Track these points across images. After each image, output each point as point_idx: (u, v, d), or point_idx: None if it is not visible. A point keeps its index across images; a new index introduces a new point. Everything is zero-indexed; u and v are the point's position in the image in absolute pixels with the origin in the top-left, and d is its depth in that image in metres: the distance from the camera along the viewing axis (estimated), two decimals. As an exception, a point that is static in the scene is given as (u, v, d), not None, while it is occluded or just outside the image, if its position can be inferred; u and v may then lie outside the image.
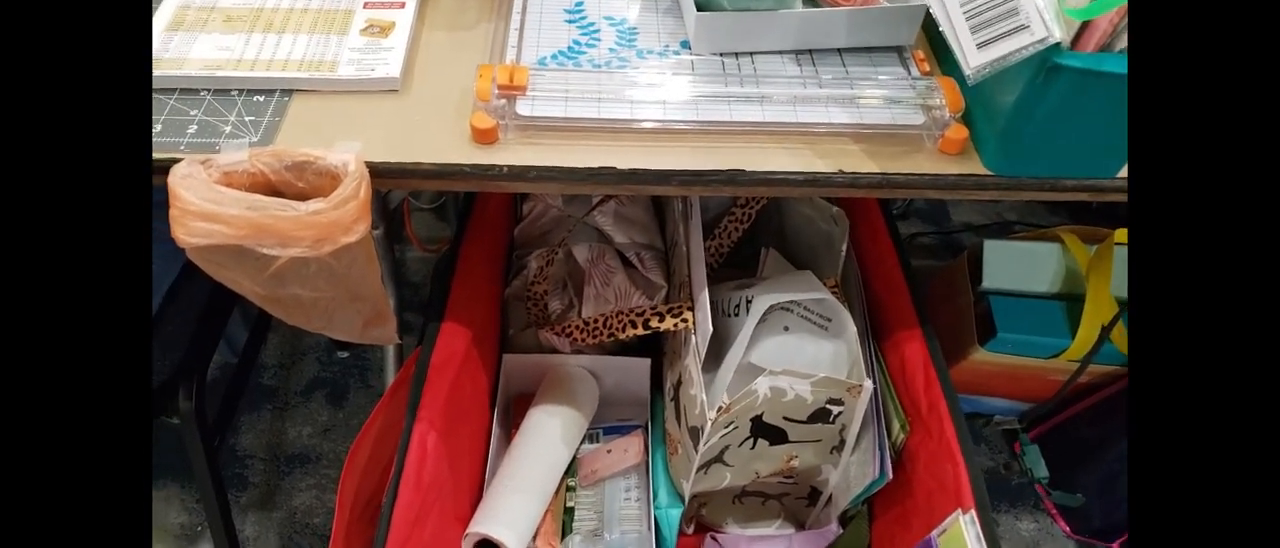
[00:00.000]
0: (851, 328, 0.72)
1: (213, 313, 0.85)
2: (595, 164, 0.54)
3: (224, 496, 0.90)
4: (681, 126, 0.56)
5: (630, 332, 0.77)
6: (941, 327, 0.73)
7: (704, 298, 0.70)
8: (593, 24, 0.62)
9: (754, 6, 0.58)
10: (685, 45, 0.61)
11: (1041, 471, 1.03)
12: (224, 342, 1.16)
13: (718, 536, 0.85)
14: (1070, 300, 0.92)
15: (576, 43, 0.60)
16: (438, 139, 0.55)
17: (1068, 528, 1.05)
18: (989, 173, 0.55)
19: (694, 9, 0.58)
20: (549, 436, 0.82)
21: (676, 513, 0.79)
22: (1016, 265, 0.94)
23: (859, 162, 0.55)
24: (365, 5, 0.63)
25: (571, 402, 0.85)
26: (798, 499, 0.84)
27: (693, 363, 0.71)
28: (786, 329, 0.74)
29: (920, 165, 0.55)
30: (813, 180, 0.54)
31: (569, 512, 0.82)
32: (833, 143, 0.56)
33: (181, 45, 0.58)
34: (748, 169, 0.54)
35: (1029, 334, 0.90)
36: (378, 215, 0.90)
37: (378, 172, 0.54)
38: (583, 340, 0.83)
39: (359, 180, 0.52)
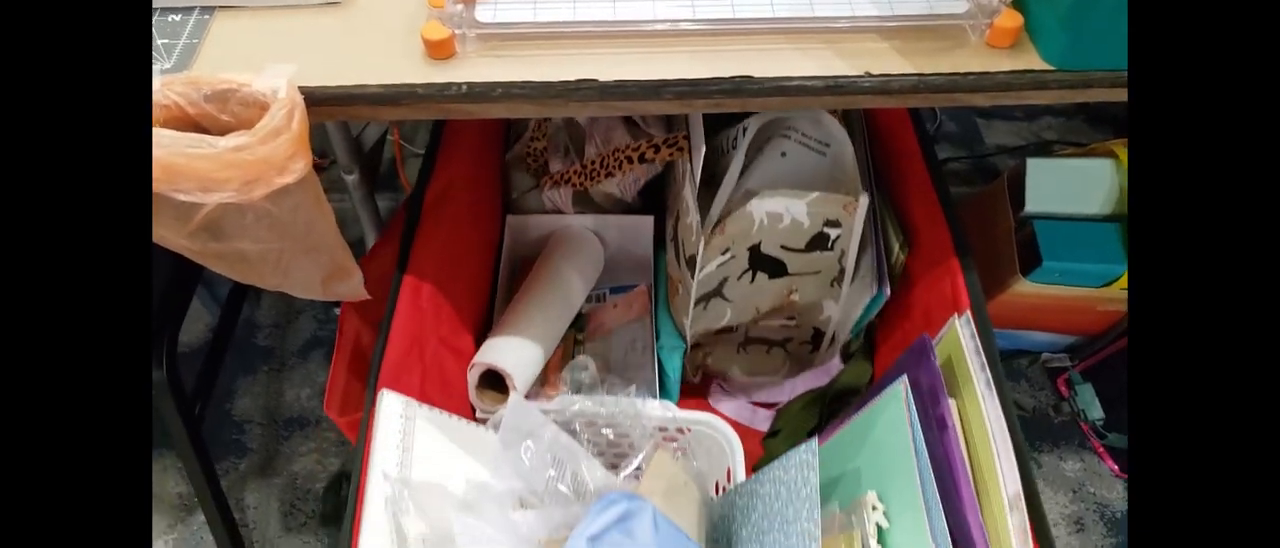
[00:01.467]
0: (850, 149, 0.66)
1: (182, 271, 0.78)
2: (572, 77, 0.45)
3: (209, 463, 0.85)
4: (675, 28, 0.47)
5: (627, 168, 0.77)
6: (978, 258, 0.64)
7: (698, 120, 0.66)
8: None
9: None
10: (677, -69, 0.51)
11: (1096, 411, 0.95)
12: (211, 301, 1.11)
13: (723, 382, 0.84)
14: (1124, 222, 0.83)
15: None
16: (384, 57, 0.47)
17: (1117, 468, 0.98)
18: (1049, 67, 0.45)
19: (685, -116, 0.48)
20: (555, 288, 0.81)
21: (679, 354, 0.79)
22: (1063, 185, 0.84)
23: (890, 61, 0.46)
24: (299, -95, 0.54)
25: (577, 258, 0.84)
26: (801, 344, 0.81)
27: (688, 189, 0.67)
28: (784, 155, 0.68)
29: (964, 63, 0.46)
30: (835, 86, 0.45)
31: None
32: (857, 40, 0.47)
33: (83, -40, 0.50)
34: (756, 76, 0.45)
35: (1078, 262, 0.81)
36: (350, 157, 0.83)
37: (315, 98, 0.45)
38: (582, 184, 0.82)
39: (289, 108, 0.43)
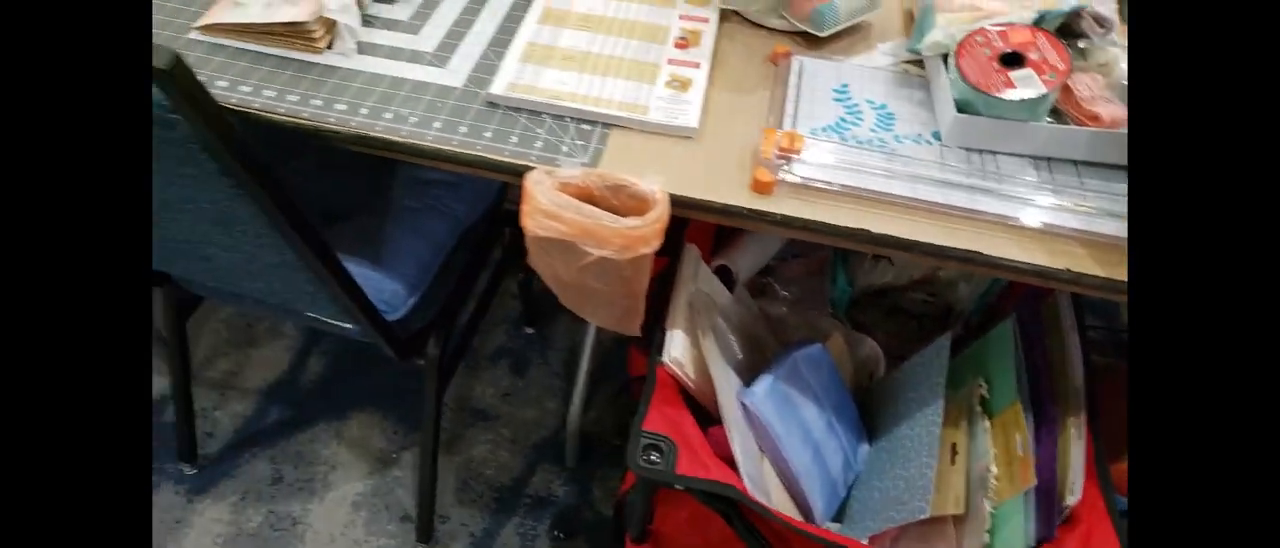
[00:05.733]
0: None
1: (466, 280, 1.01)
2: (853, 225, 0.65)
3: (438, 429, 1.07)
4: (929, 206, 0.66)
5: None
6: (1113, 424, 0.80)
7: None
8: (856, 105, 0.73)
9: (1008, 116, 0.67)
10: (936, 136, 0.71)
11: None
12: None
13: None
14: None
15: (842, 120, 0.72)
16: (723, 183, 0.68)
17: None
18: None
19: (953, 109, 0.68)
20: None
21: (845, 299, 1.03)
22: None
23: (1085, 264, 0.63)
24: (669, 62, 0.77)
25: None
26: (933, 320, 1.03)
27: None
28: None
29: (1139, 276, 0.63)
30: (1041, 273, 0.63)
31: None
32: (1062, 243, 0.65)
33: (532, 75, 0.74)
34: (984, 252, 0.64)
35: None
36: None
37: (675, 202, 0.67)
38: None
39: (665, 207, 0.65)
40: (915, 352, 1.00)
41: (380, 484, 1.21)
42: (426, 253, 0.90)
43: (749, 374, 0.89)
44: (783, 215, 0.66)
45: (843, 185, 0.66)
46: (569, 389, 1.32)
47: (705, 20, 0.82)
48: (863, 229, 0.65)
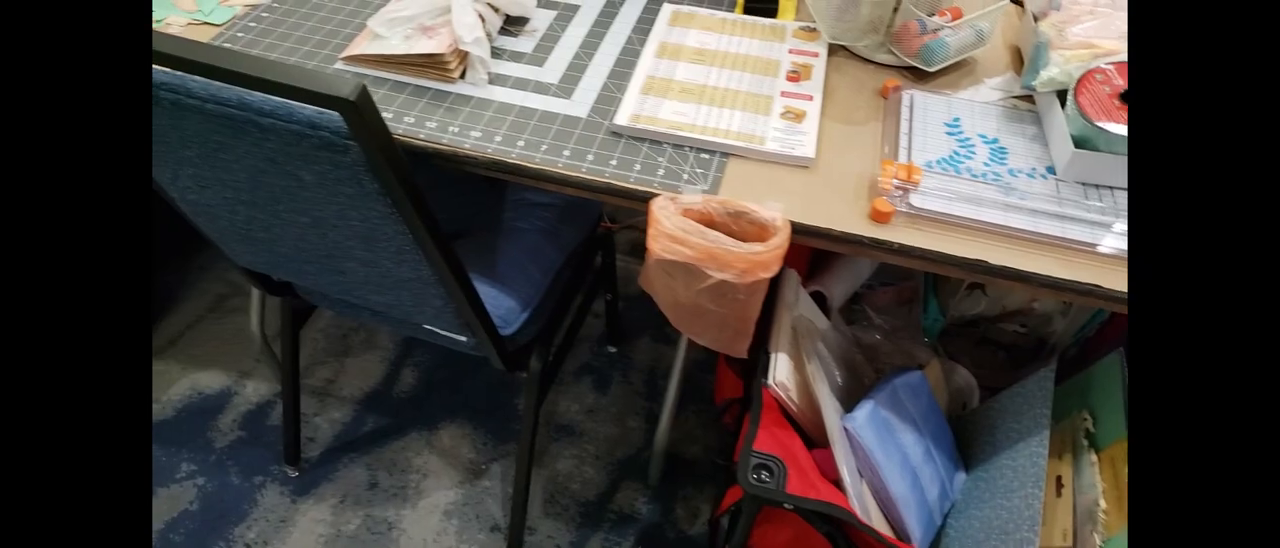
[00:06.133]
0: None
1: (567, 298, 1.06)
2: (971, 255, 0.67)
3: (533, 441, 1.10)
4: (1047, 239, 0.67)
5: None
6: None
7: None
8: (968, 139, 0.75)
9: (1125, 151, 0.68)
10: (1051, 171, 0.73)
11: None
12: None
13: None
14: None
15: (956, 153, 0.74)
16: (840, 212, 0.70)
17: None
18: None
19: (1071, 144, 0.70)
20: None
21: (937, 328, 1.04)
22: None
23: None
24: (782, 94, 0.80)
25: None
26: (1024, 352, 1.03)
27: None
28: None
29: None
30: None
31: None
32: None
33: (653, 107, 0.78)
34: (1103, 286, 0.65)
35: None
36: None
37: (795, 229, 0.69)
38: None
39: (786, 234, 0.68)
40: (1004, 383, 1.01)
41: (470, 494, 1.25)
42: (537, 273, 0.95)
43: (846, 400, 0.91)
44: (901, 244, 0.68)
45: (959, 217, 0.68)
46: (650, 408, 1.35)
47: (815, 55, 0.85)
48: (981, 260, 0.66)
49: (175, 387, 1.37)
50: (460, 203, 1.05)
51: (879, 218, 0.69)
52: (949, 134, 0.76)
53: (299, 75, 0.55)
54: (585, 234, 1.04)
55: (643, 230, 0.70)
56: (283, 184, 0.68)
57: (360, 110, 0.55)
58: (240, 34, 0.88)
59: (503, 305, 0.90)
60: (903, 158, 0.73)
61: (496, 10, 0.87)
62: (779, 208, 0.70)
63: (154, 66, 0.60)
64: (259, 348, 1.36)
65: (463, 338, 0.92)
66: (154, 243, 1.41)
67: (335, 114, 0.57)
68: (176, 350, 1.42)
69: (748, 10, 0.91)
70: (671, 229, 0.68)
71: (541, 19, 0.91)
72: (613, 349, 1.43)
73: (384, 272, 0.78)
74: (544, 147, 0.75)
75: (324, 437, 1.31)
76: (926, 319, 1.07)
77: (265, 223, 0.77)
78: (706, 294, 0.72)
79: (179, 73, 0.60)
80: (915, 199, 0.69)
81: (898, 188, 0.70)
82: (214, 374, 1.39)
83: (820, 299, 1.01)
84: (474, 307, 0.80)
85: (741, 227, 0.71)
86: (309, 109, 0.58)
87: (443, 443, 1.31)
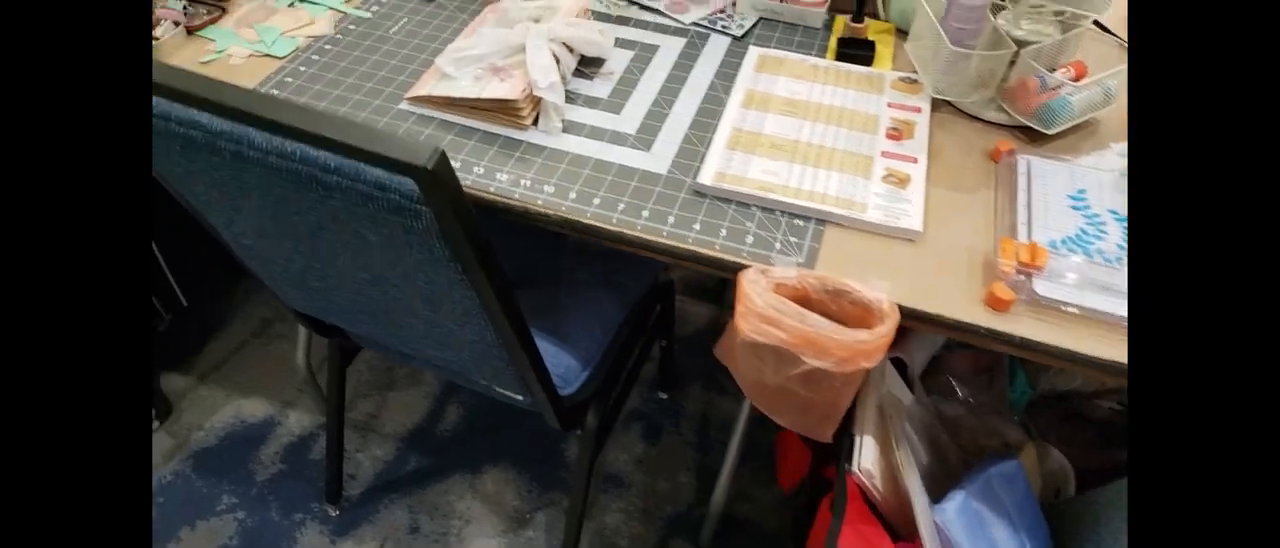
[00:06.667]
0: None
1: (625, 352, 0.99)
2: (1104, 356, 0.59)
3: (586, 498, 1.04)
4: (1195, 340, 0.59)
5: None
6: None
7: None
8: (1098, 216, 0.67)
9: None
10: (1195, 256, 0.64)
11: None
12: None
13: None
14: None
15: (1084, 232, 0.66)
16: (952, 295, 0.63)
17: None
18: None
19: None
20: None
21: (1025, 400, 0.96)
22: None
23: None
24: (883, 154, 0.73)
25: None
26: (1118, 428, 0.93)
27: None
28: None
29: None
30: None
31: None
32: None
33: (740, 164, 0.71)
34: (1265, 400, 0.56)
35: None
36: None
37: (903, 312, 0.62)
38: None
39: (895, 321, 0.60)
40: (1094, 463, 0.92)
41: (513, 544, 1.19)
42: (598, 330, 0.89)
43: (930, 481, 0.83)
44: (1022, 338, 0.60)
45: (1092, 310, 0.60)
46: (702, 461, 1.28)
47: (917, 110, 0.78)
48: (1117, 362, 0.58)
49: (219, 413, 1.34)
50: (520, 247, 1.00)
51: (997, 306, 0.61)
52: (1074, 208, 0.68)
53: (373, 138, 0.50)
54: (647, 285, 0.98)
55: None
56: (345, 241, 0.63)
57: (437, 177, 0.50)
58: (302, 68, 0.84)
59: (562, 364, 0.84)
60: (1022, 235, 0.66)
61: (572, 51, 0.82)
62: (885, 288, 0.63)
63: (213, 117, 0.56)
64: (303, 379, 1.32)
65: (519, 397, 0.86)
66: (194, 267, 1.39)
67: (408, 179, 0.52)
68: (221, 376, 1.39)
69: (841, 57, 0.85)
70: (763, 308, 0.61)
71: (618, 59, 0.86)
72: (664, 395, 1.36)
73: (445, 332, 0.73)
74: (621, 206, 0.69)
75: (365, 475, 1.26)
76: (1013, 392, 0.98)
77: (321, 273, 0.72)
78: (798, 380, 0.65)
79: (241, 125, 0.55)
80: (1040, 286, 0.62)
81: (1020, 271, 0.62)
82: (257, 402, 1.35)
83: (900, 366, 0.93)
84: (536, 369, 0.74)
85: (841, 307, 0.64)
86: (378, 169, 0.53)
87: (486, 488, 1.25)
